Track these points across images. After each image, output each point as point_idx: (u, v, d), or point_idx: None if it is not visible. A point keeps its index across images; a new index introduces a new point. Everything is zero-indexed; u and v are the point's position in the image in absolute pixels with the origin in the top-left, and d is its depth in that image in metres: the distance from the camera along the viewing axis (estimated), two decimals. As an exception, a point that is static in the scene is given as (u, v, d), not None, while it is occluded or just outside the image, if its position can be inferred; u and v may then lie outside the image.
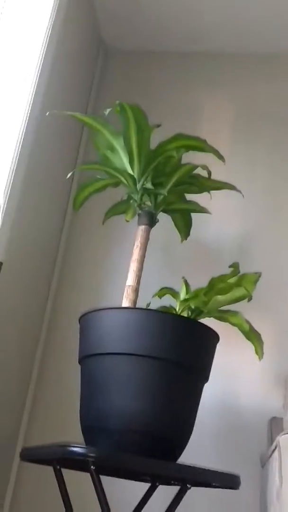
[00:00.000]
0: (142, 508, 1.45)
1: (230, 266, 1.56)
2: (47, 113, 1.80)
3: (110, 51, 2.72)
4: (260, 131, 2.45)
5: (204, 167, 1.54)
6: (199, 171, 1.60)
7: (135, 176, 1.59)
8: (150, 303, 1.61)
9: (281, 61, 2.56)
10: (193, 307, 1.54)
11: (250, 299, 1.55)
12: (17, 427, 2.05)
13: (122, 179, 1.60)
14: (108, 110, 1.52)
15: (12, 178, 1.75)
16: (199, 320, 1.49)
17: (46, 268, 2.25)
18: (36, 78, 1.91)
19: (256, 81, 2.55)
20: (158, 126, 1.68)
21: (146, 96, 2.24)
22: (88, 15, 2.48)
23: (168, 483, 1.42)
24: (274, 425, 1.81)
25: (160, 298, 1.67)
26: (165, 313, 1.52)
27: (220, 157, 1.57)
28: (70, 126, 2.32)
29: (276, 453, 1.42)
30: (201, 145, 1.57)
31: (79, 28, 2.39)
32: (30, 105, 1.86)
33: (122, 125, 1.54)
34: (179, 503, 1.27)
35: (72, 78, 2.35)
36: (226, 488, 1.35)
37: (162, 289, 1.68)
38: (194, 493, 1.31)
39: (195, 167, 1.60)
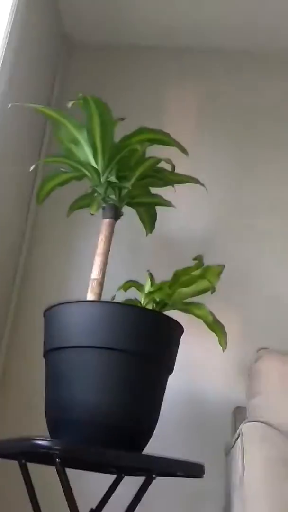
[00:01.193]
0: (108, 499, 1.46)
1: (194, 259, 1.58)
2: (9, 106, 1.77)
3: (73, 45, 2.69)
4: (224, 125, 2.48)
5: (168, 161, 1.55)
6: (163, 165, 1.61)
7: (99, 169, 1.58)
8: (115, 296, 1.61)
9: (244, 56, 2.59)
10: (157, 299, 1.55)
11: (213, 291, 1.57)
12: (-19, 423, 2.03)
13: (86, 172, 1.60)
14: (71, 103, 1.51)
15: (-26, 171, 1.73)
16: (163, 312, 1.50)
17: (10, 262, 2.23)
18: (-2, 70, 1.89)
19: (220, 76, 2.58)
20: (122, 119, 1.68)
21: (110, 90, 2.23)
22: (51, 8, 2.46)
23: (134, 474, 1.43)
24: (238, 415, 1.84)
25: (125, 291, 1.67)
26: (130, 305, 1.53)
27: (183, 150, 1.58)
28: (33, 119, 2.29)
29: (239, 441, 1.45)
30: (164, 139, 1.58)
31: (42, 21, 2.36)
32: (-8, 97, 1.83)
33: (86, 118, 1.54)
34: (144, 493, 1.29)
35: (35, 71, 2.32)
36: (190, 477, 1.37)
37: (127, 282, 1.68)
38: (160, 483, 1.33)
39: (159, 160, 1.61)
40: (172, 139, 1.58)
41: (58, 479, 1.17)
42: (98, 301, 1.47)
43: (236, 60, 2.59)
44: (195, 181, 1.69)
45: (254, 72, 2.57)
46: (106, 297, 1.52)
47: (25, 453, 1.30)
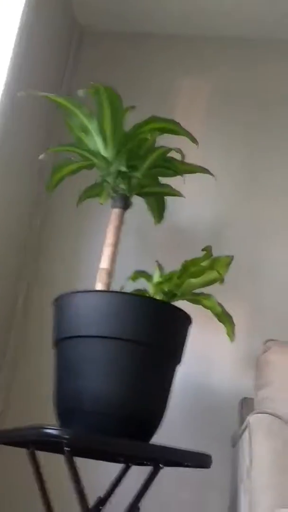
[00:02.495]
0: (115, 488, 1.47)
1: (203, 250, 1.57)
2: (19, 94, 1.76)
3: (84, 32, 2.67)
4: (235, 114, 2.46)
5: (178, 150, 1.54)
6: (173, 154, 1.60)
7: (109, 158, 1.58)
8: (124, 286, 1.61)
9: (258, 45, 2.55)
10: (166, 290, 1.55)
11: (222, 281, 1.56)
12: (-10, 410, 2.05)
13: (96, 161, 1.59)
14: (81, 91, 1.50)
15: (-16, 160, 1.72)
16: (172, 303, 1.50)
17: (20, 251, 2.23)
18: (9, 58, 1.88)
19: (232, 64, 2.55)
20: (133, 108, 1.66)
21: (121, 78, 2.21)
22: (62, -6, 2.43)
23: (141, 464, 1.44)
24: (245, 406, 1.84)
25: (134, 281, 1.67)
26: (139, 296, 1.53)
27: (194, 140, 1.57)
28: (43, 107, 2.28)
29: (246, 433, 1.45)
30: (175, 128, 1.57)
31: (53, 8, 2.34)
32: (3, 85, 1.83)
33: (96, 106, 1.53)
34: (151, 483, 1.29)
35: (46, 59, 2.31)
36: (198, 467, 1.38)
37: (135, 272, 1.68)
38: (167, 473, 1.33)
39: (169, 150, 1.60)
40: (182, 129, 1.56)
41: (67, 468, 1.18)
42: (107, 291, 1.47)
43: (249, 48, 2.56)
44: (205, 171, 1.68)
45: (268, 60, 2.54)
46: (115, 287, 1.52)
47: (34, 442, 1.31)
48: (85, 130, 1.61)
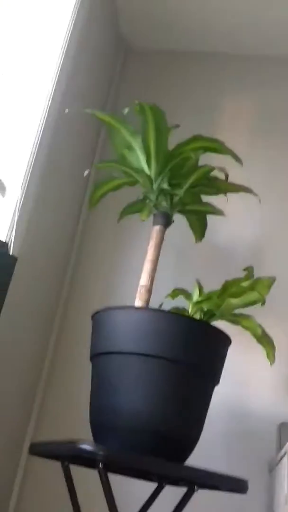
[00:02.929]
0: (148, 507, 1.45)
1: (244, 270, 1.55)
2: (66, 110, 1.80)
3: (130, 49, 2.72)
4: (280, 134, 2.44)
5: (222, 169, 1.53)
6: (216, 173, 1.60)
7: (152, 176, 1.58)
8: (162, 304, 1.61)
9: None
10: (205, 309, 1.54)
11: (263, 303, 1.54)
12: (26, 421, 2.06)
13: (139, 178, 1.60)
14: (126, 109, 1.52)
15: (30, 174, 1.76)
16: (211, 323, 1.48)
17: (60, 265, 2.26)
18: (56, 74, 1.92)
19: (277, 84, 2.54)
20: (177, 126, 1.67)
21: (165, 96, 2.23)
22: (110, 13, 2.48)
23: (176, 484, 1.42)
24: (284, 431, 1.80)
25: (173, 299, 1.66)
26: (178, 314, 1.52)
27: (238, 159, 1.56)
28: (88, 124, 2.32)
29: (285, 459, 1.41)
30: (219, 147, 1.56)
31: (100, 26, 2.39)
32: (50, 102, 1.87)
33: (141, 124, 1.54)
34: (185, 504, 1.27)
35: (92, 76, 2.36)
36: (233, 492, 1.34)
37: (175, 290, 1.67)
38: (201, 496, 1.31)
39: (212, 169, 1.59)
40: (226, 148, 1.56)
41: (100, 483, 1.17)
42: (146, 308, 1.47)
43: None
44: (248, 190, 1.66)
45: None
46: (153, 304, 1.52)
47: (68, 456, 1.31)
48: (129, 147, 1.63)
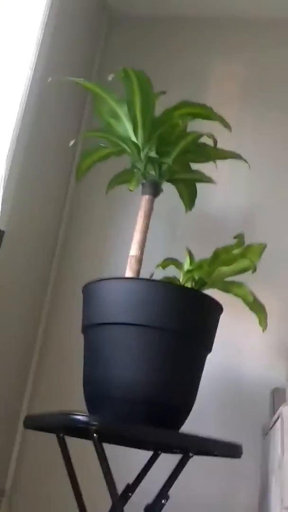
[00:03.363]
0: (144, 476, 1.47)
1: (235, 237, 1.54)
2: (49, 79, 1.76)
3: (115, 16, 2.64)
4: (269, 99, 2.40)
5: (210, 136, 1.51)
6: (204, 140, 1.57)
7: (139, 144, 1.55)
8: (153, 274, 1.59)
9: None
10: (196, 278, 1.53)
11: (254, 270, 1.53)
12: (20, 395, 2.07)
13: (126, 147, 1.57)
14: (111, 76, 1.48)
15: (14, 146, 1.73)
16: (202, 291, 1.48)
17: (49, 237, 2.24)
18: (38, 42, 1.87)
19: (267, 47, 2.48)
20: (163, 93, 1.64)
21: (151, 62, 2.17)
22: (92, -22, 2.41)
23: (171, 452, 1.43)
24: (277, 396, 1.82)
25: (164, 268, 1.65)
26: (169, 283, 1.51)
27: (227, 125, 1.53)
28: (73, 92, 2.27)
29: (278, 423, 1.42)
30: (207, 113, 1.53)
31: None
32: (33, 70, 1.82)
33: (126, 91, 1.51)
34: (181, 471, 1.28)
35: (75, 43, 2.29)
36: (228, 457, 1.36)
37: (165, 259, 1.66)
38: (196, 462, 1.32)
39: (201, 135, 1.56)
40: (214, 113, 1.53)
41: (95, 453, 1.18)
42: (137, 278, 1.46)
43: (283, 30, 2.48)
44: (238, 156, 1.64)
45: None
46: (144, 274, 1.51)
47: (63, 427, 1.31)
48: (115, 116, 1.59)
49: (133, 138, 1.56)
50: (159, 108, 1.52)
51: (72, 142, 1.67)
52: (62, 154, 2.26)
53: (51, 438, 1.38)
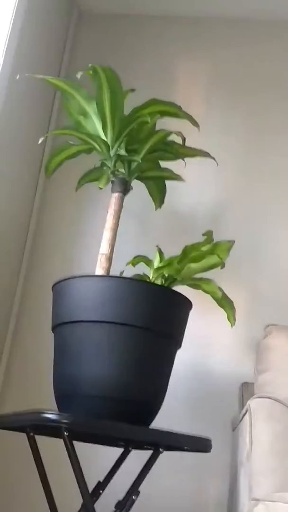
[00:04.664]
0: (115, 472, 1.48)
1: (203, 234, 1.56)
2: (17, 76, 1.74)
3: (83, 13, 2.63)
4: (236, 97, 2.43)
5: (179, 134, 1.52)
6: (173, 138, 1.58)
7: (109, 142, 1.56)
8: (123, 271, 1.60)
9: (258, 26, 2.51)
10: (166, 275, 1.54)
11: (223, 266, 1.56)
12: (-10, 395, 2.05)
13: (95, 145, 1.57)
14: (80, 73, 1.47)
15: (-18, 143, 1.70)
16: (172, 288, 1.49)
17: (19, 235, 2.22)
18: (6, 39, 1.85)
19: (233, 46, 2.51)
20: (132, 90, 1.64)
21: (120, 60, 2.18)
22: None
23: (141, 448, 1.44)
24: (245, 390, 1.85)
25: (134, 266, 1.66)
26: (139, 281, 1.52)
27: (195, 123, 1.54)
28: (42, 90, 2.26)
29: (247, 417, 1.45)
30: (175, 111, 1.54)
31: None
32: (1, 67, 1.80)
33: (95, 89, 1.50)
34: (151, 467, 1.30)
35: (44, 40, 2.28)
36: (197, 451, 1.38)
37: (135, 257, 1.67)
38: (167, 457, 1.33)
39: (170, 133, 1.57)
40: (183, 112, 1.54)
41: (66, 452, 1.18)
42: (107, 276, 1.46)
43: (249, 29, 2.51)
44: (206, 154, 1.65)
45: (267, 41, 2.50)
46: (114, 272, 1.51)
47: (33, 426, 1.31)
48: (84, 113, 1.59)
49: (102, 136, 1.56)
50: (128, 106, 1.53)
51: (41, 140, 1.66)
52: (31, 152, 2.24)
53: (20, 437, 1.38)
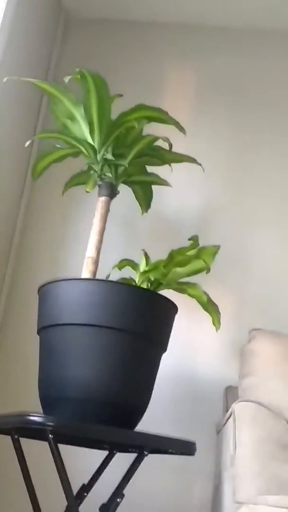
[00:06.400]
0: (100, 475, 1.48)
1: (189, 239, 1.57)
2: (5, 79, 1.74)
3: (71, 19, 2.64)
4: (223, 103, 2.45)
5: (165, 139, 1.54)
6: (160, 143, 1.59)
7: (96, 146, 1.56)
8: (110, 275, 1.61)
9: (245, 34, 2.54)
10: (152, 279, 1.55)
11: (208, 271, 1.57)
12: (-26, 399, 2.04)
13: (82, 149, 1.58)
14: (68, 78, 1.48)
15: None
16: (158, 292, 1.50)
17: (5, 238, 2.21)
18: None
19: (220, 53, 2.53)
20: (120, 96, 1.66)
21: (108, 66, 2.19)
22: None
23: (126, 451, 1.44)
24: (230, 394, 1.86)
25: (120, 270, 1.67)
26: (125, 284, 1.53)
27: (181, 129, 1.56)
28: (29, 93, 2.26)
29: (230, 421, 1.46)
30: (162, 117, 1.56)
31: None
32: (-13, 70, 1.80)
33: (83, 93, 1.51)
34: (136, 469, 1.30)
35: (31, 45, 2.28)
36: (182, 454, 1.39)
37: (122, 261, 1.68)
38: (152, 460, 1.34)
39: (156, 138, 1.59)
40: (170, 117, 1.56)
41: (51, 454, 1.18)
42: (93, 279, 1.47)
43: (237, 38, 2.54)
44: (192, 160, 1.67)
45: (256, 49, 2.53)
46: (100, 275, 1.52)
47: (18, 429, 1.31)
48: (71, 117, 1.60)
49: (90, 140, 1.57)
50: (115, 111, 1.54)
51: (28, 143, 1.66)
52: (18, 155, 2.24)
53: (3, 439, 1.37)
